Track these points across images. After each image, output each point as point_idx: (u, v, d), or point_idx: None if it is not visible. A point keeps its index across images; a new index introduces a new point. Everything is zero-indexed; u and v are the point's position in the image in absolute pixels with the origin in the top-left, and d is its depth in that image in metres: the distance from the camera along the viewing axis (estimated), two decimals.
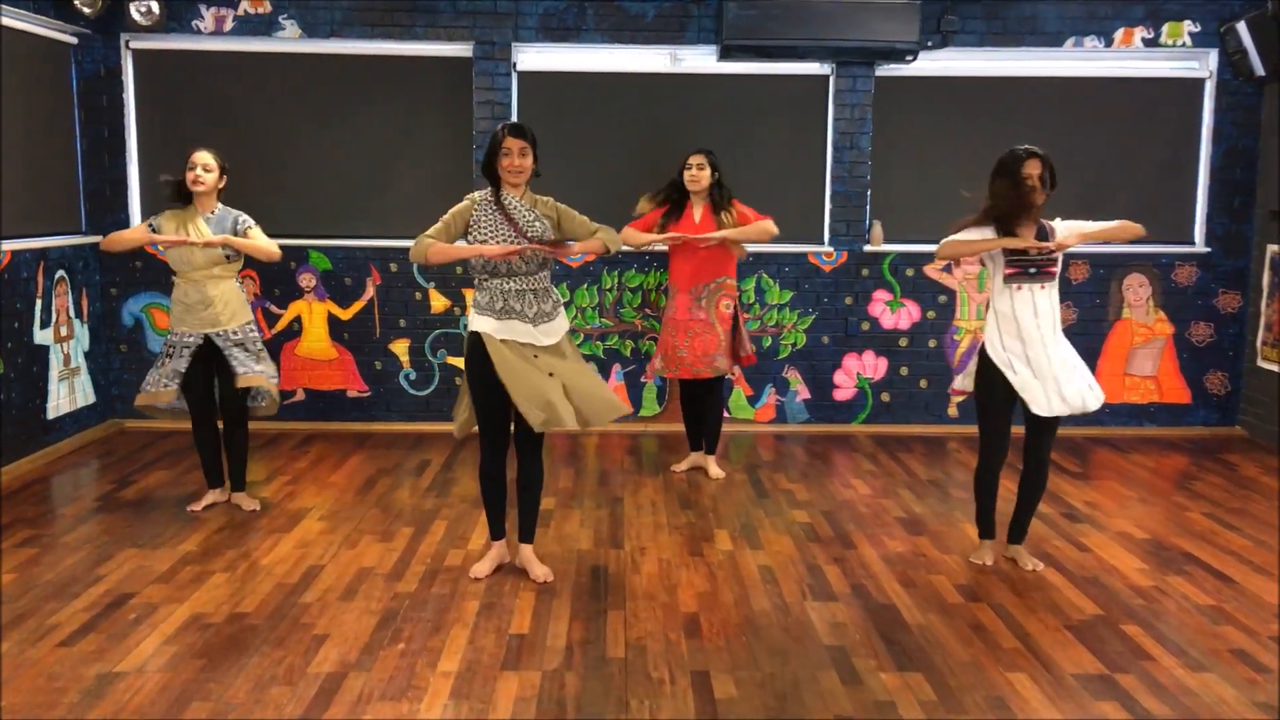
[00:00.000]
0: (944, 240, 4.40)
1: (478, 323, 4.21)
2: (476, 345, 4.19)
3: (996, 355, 4.35)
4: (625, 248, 4.92)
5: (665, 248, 6.05)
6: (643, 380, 7.12)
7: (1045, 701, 3.36)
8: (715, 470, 6.01)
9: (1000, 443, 4.48)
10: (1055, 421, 4.40)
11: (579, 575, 4.45)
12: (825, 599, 4.21)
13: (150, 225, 5.05)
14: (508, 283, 4.21)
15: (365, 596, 4.17)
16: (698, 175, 5.76)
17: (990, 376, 4.39)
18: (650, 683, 3.47)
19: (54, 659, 3.60)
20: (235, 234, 5.10)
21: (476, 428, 4.32)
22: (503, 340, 4.16)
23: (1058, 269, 4.35)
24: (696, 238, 5.73)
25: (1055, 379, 4.30)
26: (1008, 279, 4.32)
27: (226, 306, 5.07)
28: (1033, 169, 4.23)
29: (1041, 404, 4.30)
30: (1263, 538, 5.00)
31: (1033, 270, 4.30)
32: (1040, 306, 4.31)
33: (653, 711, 3.28)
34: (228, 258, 5.10)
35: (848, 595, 4.25)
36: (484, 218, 4.22)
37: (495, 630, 3.87)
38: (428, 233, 4.27)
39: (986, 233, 4.31)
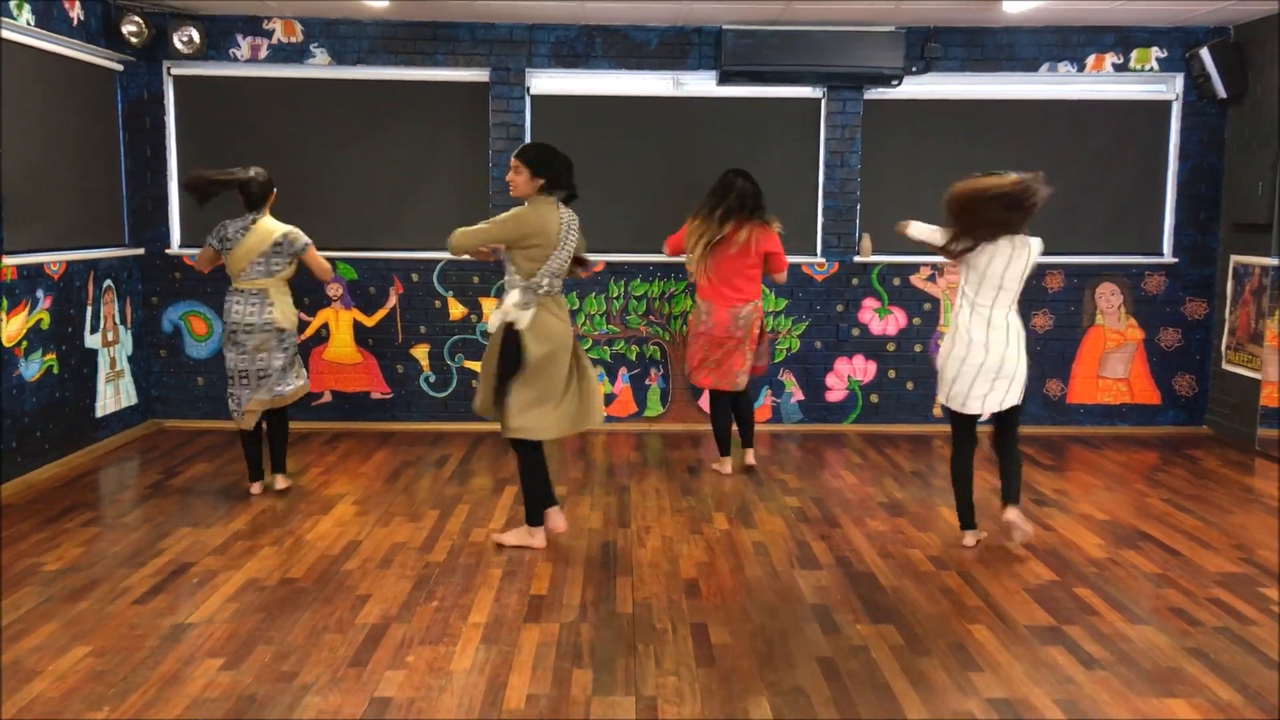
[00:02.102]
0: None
1: (527, 319, 4.63)
2: (516, 341, 4.64)
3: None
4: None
5: (684, 260, 6.28)
6: (646, 384, 7.63)
7: (1000, 647, 3.85)
8: (751, 459, 6.44)
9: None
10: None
11: (590, 549, 4.94)
12: (811, 568, 4.70)
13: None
14: (556, 282, 4.71)
15: (400, 565, 4.67)
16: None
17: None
18: (655, 632, 3.96)
19: (131, 614, 4.09)
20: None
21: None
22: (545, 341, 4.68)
23: None
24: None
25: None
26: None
27: (283, 313, 5.63)
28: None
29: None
30: (1213, 519, 5.48)
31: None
32: None
33: (657, 656, 3.77)
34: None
35: (832, 565, 4.74)
36: None
37: (518, 591, 4.36)
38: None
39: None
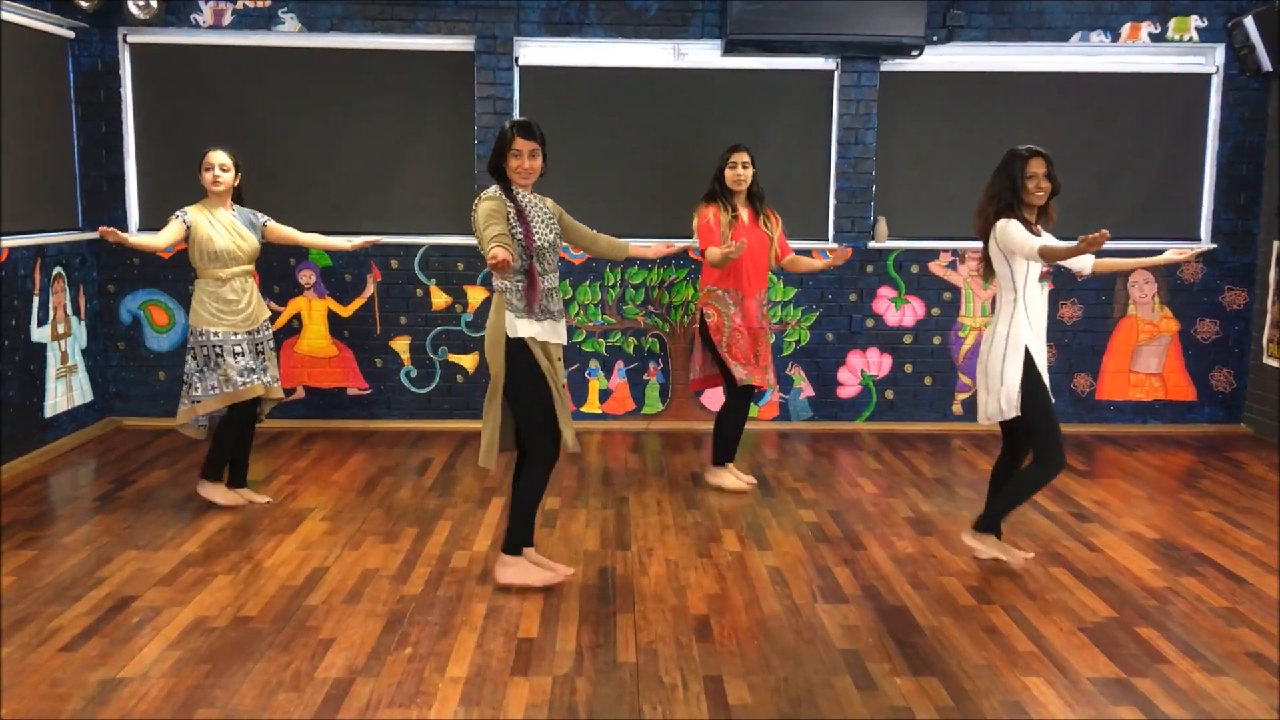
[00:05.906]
0: (1041, 245, 4.15)
1: (523, 328, 4.06)
2: (523, 352, 4.07)
3: (1035, 349, 4.31)
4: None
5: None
6: (644, 379, 7.08)
7: (1063, 706, 3.32)
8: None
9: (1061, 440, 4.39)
10: None
11: (586, 577, 4.40)
12: (836, 601, 4.17)
13: (183, 220, 5.02)
14: (542, 281, 4.12)
15: (370, 599, 4.12)
16: (744, 175, 5.54)
17: (1038, 373, 4.31)
18: (663, 688, 3.43)
19: (56, 664, 3.54)
20: (259, 230, 5.25)
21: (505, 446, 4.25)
22: (544, 343, 4.12)
23: None
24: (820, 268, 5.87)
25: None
26: (1043, 277, 4.32)
27: (260, 303, 5.19)
28: (1037, 168, 4.21)
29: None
30: (1273, 537, 4.96)
31: (1049, 269, 4.34)
32: (1045, 302, 4.37)
33: (667, 717, 3.23)
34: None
35: (858, 597, 4.21)
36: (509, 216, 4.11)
37: (503, 634, 3.82)
38: (496, 235, 3.94)
39: (1027, 232, 4.23)
